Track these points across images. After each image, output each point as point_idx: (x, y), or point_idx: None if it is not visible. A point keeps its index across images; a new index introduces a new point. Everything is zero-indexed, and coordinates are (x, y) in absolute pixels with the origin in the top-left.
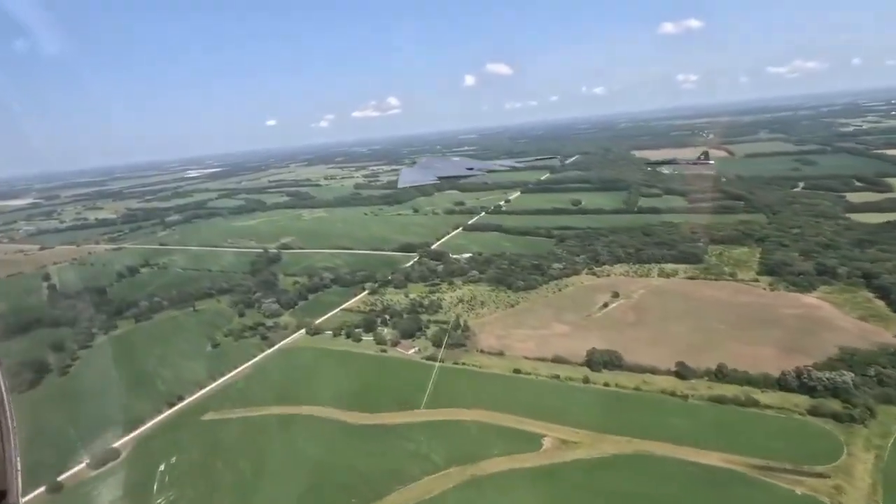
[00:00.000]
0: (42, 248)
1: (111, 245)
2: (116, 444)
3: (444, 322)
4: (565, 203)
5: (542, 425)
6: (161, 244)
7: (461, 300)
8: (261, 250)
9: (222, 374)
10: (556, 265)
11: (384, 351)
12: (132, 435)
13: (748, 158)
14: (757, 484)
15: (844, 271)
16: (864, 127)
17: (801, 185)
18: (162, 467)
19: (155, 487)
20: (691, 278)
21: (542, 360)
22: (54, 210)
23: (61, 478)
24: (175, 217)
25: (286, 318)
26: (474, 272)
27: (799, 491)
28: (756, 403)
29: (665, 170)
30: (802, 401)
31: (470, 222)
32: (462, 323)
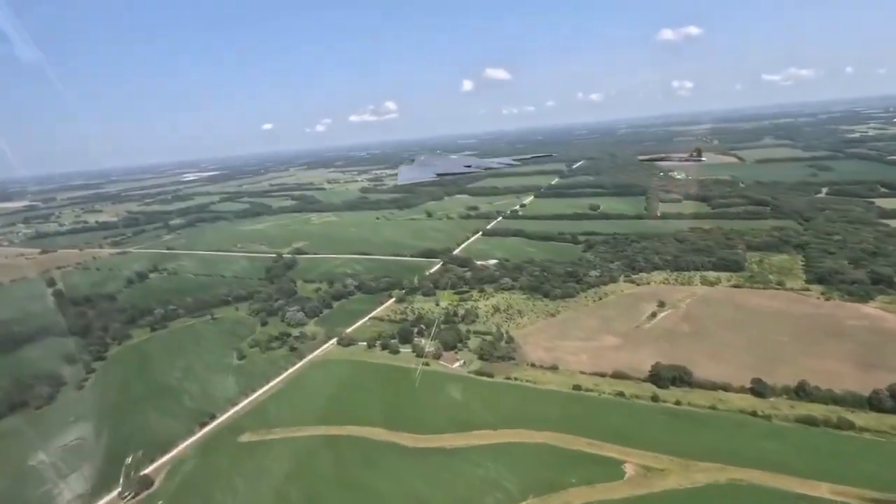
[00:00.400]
0: (43, 252)
1: (115, 249)
2: (148, 470)
3: (485, 333)
4: (582, 208)
5: (618, 449)
6: (168, 248)
7: (497, 309)
8: (274, 255)
9: (254, 390)
10: (592, 272)
11: (427, 364)
12: (165, 458)
13: (760, 164)
14: None
15: None
16: (870, 133)
17: (825, 190)
18: None
19: None
20: (736, 286)
21: (601, 374)
22: (52, 213)
23: None
24: (179, 220)
25: (312, 328)
26: (506, 279)
27: None
28: (851, 426)
29: (661, 166)
30: None
31: (488, 227)
32: (505, 334)
